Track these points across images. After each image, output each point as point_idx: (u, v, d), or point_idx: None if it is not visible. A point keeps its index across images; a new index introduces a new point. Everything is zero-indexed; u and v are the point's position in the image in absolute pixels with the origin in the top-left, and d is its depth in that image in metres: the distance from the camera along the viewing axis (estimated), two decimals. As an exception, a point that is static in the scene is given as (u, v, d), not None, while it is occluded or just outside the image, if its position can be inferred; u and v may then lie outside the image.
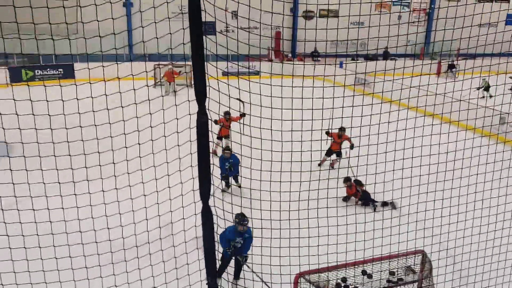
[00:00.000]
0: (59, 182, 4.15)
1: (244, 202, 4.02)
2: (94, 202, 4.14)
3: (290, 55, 28.58)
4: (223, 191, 7.86)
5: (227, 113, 10.86)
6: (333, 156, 11.31)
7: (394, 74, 4.92)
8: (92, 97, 3.92)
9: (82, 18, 3.70)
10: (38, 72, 21.74)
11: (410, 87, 5.02)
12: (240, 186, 8.21)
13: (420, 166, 4.55)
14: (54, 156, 4.00)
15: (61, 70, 22.15)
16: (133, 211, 4.21)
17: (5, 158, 4.35)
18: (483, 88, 20.62)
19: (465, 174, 4.85)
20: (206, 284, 3.97)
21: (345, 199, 10.21)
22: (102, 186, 4.08)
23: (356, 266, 5.45)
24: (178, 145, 4.01)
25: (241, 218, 5.78)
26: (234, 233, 5.77)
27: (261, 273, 4.35)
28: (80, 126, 4.04)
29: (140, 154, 3.99)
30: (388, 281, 5.70)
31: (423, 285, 5.90)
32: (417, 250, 5.67)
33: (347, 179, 10.15)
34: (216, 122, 10.99)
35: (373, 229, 4.48)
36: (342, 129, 10.61)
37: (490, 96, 19.45)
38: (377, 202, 9.99)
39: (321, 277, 5.51)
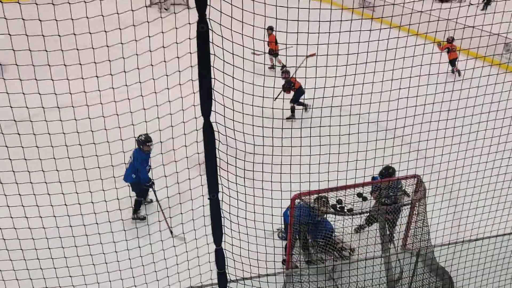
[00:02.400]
0: (58, 107, 4.06)
1: (246, 119, 3.97)
2: (94, 128, 4.08)
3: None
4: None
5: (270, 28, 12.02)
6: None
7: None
8: (87, 17, 3.68)
9: None
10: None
11: (412, 11, 4.75)
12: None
13: (427, 95, 4.47)
14: (52, 80, 3.88)
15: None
16: (133, 124, 4.16)
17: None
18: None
19: (465, 103, 4.80)
20: (208, 199, 4.06)
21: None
22: (103, 112, 4.00)
23: (352, 189, 5.60)
24: (178, 59, 3.85)
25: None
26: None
27: (262, 188, 4.47)
28: (77, 49, 3.87)
29: (140, 79, 3.85)
30: (383, 203, 5.88)
31: (415, 207, 6.11)
32: (412, 174, 5.79)
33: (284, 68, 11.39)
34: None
35: (375, 156, 4.46)
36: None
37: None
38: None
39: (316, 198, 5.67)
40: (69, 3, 3.63)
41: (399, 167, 5.04)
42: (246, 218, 4.53)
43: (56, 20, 3.58)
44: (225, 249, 4.55)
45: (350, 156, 4.46)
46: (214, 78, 3.62)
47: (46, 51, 3.80)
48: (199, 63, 3.51)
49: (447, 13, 4.61)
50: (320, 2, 3.95)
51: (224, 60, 3.68)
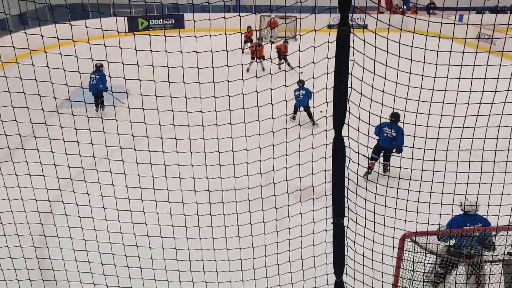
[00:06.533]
0: (175, 138, 4.07)
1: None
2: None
3: (404, 7, 26.24)
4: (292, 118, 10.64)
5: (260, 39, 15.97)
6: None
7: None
8: (211, 51, 3.67)
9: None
10: (152, 21, 22.74)
11: None
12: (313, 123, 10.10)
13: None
14: (172, 111, 3.92)
15: (172, 20, 22.92)
16: (259, 134, 3.97)
17: (125, 109, 4.40)
18: None
19: None
20: (332, 223, 3.67)
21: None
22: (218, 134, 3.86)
23: (472, 233, 4.78)
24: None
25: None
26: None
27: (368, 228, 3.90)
28: (199, 82, 3.84)
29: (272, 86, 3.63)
30: (510, 253, 4.95)
31: None
32: None
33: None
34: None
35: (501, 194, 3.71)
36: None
37: None
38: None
39: (430, 239, 4.92)
40: (195, 37, 3.66)
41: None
42: (372, 250, 3.98)
43: (181, 52, 3.68)
44: (346, 283, 4.06)
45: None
46: (351, 87, 3.28)
47: (169, 82, 3.83)
48: (336, 69, 3.22)
49: None
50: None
51: (364, 67, 3.31)
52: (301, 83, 10.37)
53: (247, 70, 14.84)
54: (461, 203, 5.07)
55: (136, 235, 4.26)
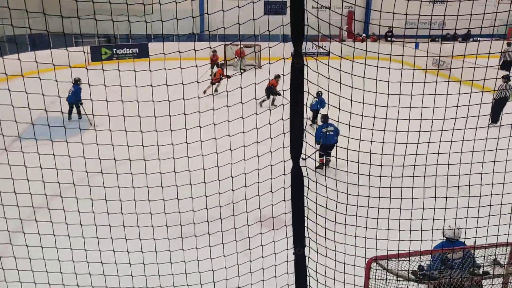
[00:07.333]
0: (131, 173, 4.00)
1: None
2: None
3: (364, 35, 27.23)
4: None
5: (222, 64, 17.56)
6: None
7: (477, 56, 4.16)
8: (167, 85, 3.67)
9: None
10: (115, 51, 22.56)
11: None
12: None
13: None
14: (127, 145, 3.84)
15: (136, 49, 22.84)
16: (217, 166, 3.94)
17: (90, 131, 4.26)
18: None
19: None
20: (293, 254, 3.61)
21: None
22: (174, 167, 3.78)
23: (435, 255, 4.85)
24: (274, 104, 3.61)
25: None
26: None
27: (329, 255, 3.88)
28: (170, 115, 3.83)
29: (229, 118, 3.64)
30: (472, 273, 5.04)
31: (510, 280, 5.13)
32: (504, 242, 4.93)
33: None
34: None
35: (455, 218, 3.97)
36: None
37: None
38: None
39: (393, 264, 4.96)
40: (165, 70, 3.67)
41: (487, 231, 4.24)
42: (334, 279, 3.96)
43: (136, 86, 3.68)
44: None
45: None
46: (307, 118, 3.33)
47: (140, 116, 3.82)
48: (291, 100, 3.26)
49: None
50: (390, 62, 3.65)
51: (319, 103, 3.36)
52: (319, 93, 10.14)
53: (205, 93, 14.62)
54: (443, 229, 5.07)
55: (91, 275, 4.07)
